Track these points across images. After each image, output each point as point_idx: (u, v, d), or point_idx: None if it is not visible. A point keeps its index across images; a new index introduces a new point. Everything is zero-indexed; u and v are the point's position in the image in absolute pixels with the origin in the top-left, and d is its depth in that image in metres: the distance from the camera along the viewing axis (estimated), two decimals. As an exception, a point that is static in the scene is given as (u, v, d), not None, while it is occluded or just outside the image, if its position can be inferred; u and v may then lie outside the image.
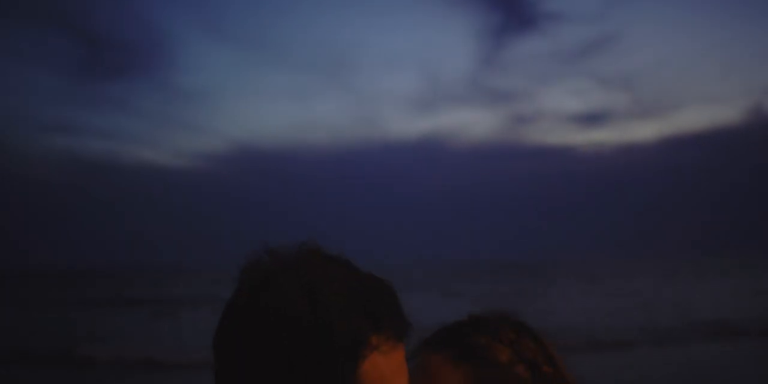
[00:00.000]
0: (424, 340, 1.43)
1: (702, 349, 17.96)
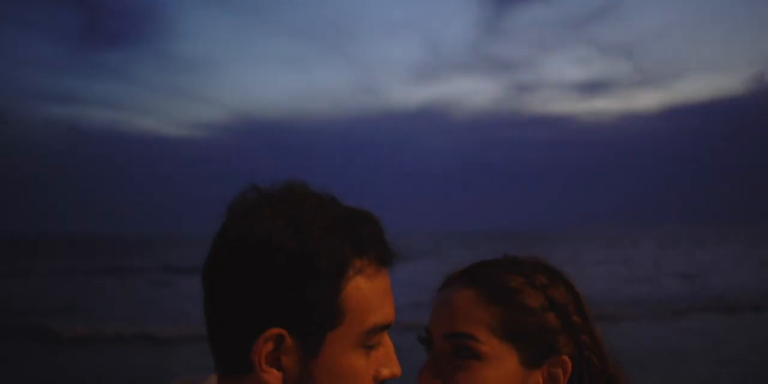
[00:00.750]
0: (454, 272, 1.40)
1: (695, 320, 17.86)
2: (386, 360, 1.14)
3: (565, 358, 1.31)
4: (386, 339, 1.16)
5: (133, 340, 15.22)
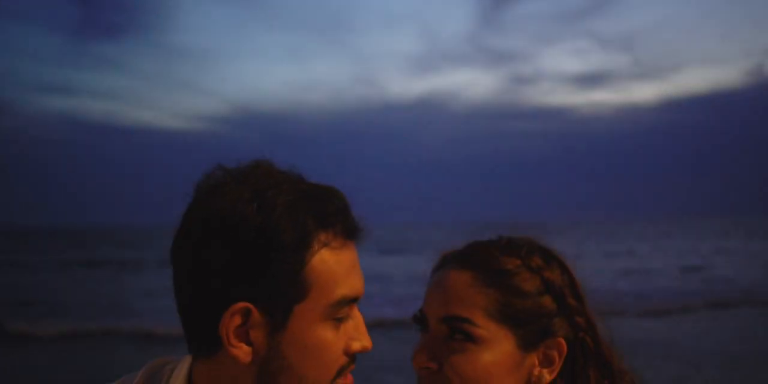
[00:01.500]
0: (448, 253, 1.40)
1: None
2: (356, 333, 1.15)
3: (561, 340, 1.32)
4: (356, 312, 1.16)
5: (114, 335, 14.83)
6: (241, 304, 1.07)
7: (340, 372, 1.13)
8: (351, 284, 1.14)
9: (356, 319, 1.16)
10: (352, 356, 1.15)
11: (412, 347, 1.35)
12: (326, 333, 1.11)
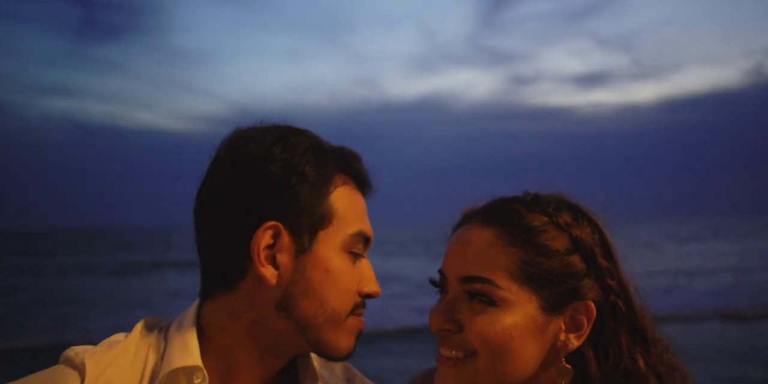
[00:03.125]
0: (471, 209, 1.33)
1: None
2: (367, 278, 1.23)
3: (590, 303, 1.23)
4: (367, 260, 1.25)
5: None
6: (273, 222, 1.16)
7: (355, 308, 1.20)
8: (365, 224, 1.23)
9: (367, 266, 1.24)
10: (365, 297, 1.22)
11: (429, 308, 1.27)
12: (345, 263, 1.19)
